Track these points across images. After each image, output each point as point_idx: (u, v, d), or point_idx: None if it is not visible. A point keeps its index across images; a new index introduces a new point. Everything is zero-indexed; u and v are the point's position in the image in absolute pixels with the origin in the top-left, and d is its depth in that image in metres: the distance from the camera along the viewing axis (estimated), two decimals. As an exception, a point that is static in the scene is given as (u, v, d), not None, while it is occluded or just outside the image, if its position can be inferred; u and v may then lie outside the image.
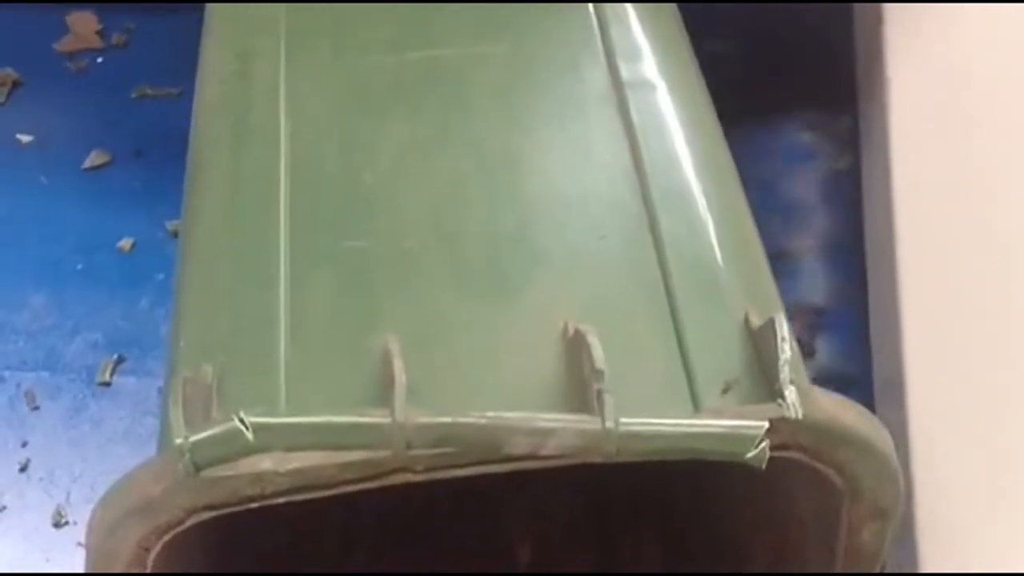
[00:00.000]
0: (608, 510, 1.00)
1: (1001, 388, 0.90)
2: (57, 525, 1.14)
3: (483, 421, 0.56)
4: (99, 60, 1.52)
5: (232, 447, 0.56)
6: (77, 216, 1.37)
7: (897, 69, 1.15)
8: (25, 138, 1.44)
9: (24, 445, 1.20)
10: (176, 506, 0.60)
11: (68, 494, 1.16)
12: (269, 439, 0.56)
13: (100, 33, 1.53)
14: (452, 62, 0.84)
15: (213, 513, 0.60)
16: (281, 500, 0.60)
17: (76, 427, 1.21)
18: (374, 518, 0.99)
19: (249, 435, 0.56)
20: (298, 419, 0.57)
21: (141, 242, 1.33)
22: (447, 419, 0.56)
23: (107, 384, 1.24)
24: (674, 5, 0.94)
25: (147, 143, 1.41)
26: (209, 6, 0.93)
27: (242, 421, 0.56)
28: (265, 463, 0.59)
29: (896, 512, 0.67)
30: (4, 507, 1.16)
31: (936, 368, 0.95)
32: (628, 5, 0.89)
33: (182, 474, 0.57)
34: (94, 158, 1.42)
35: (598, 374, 0.58)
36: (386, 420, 0.56)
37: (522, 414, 0.57)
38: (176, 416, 0.56)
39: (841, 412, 0.62)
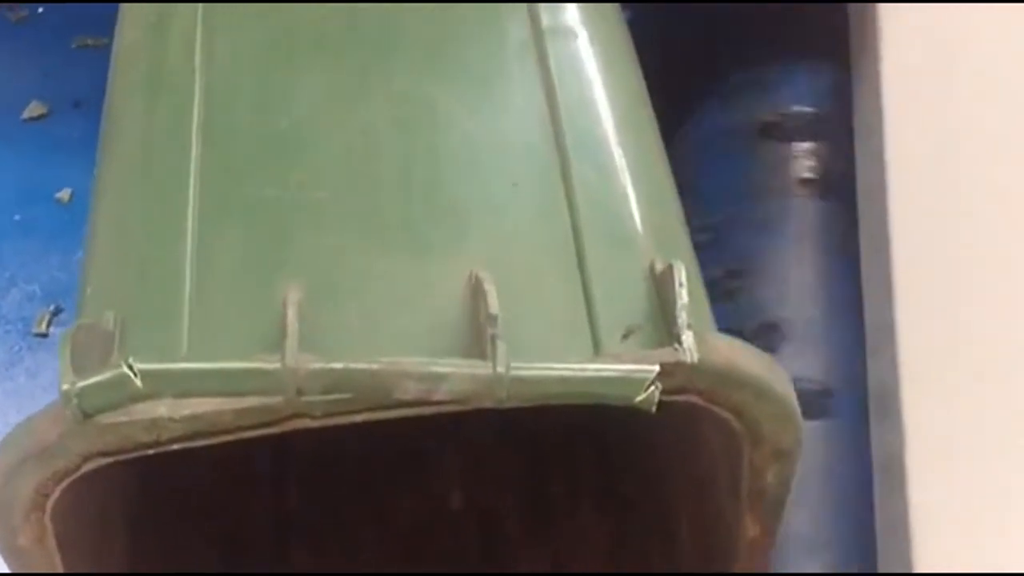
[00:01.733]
0: (542, 460, 1.00)
1: (1004, 394, 0.87)
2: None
3: (375, 366, 0.56)
4: (39, 10, 1.51)
5: (120, 393, 0.56)
6: (15, 167, 1.36)
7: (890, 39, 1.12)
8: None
9: (-41, 396, 1.20)
10: (71, 452, 0.60)
11: (2, 445, 1.15)
12: (158, 386, 0.56)
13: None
14: (375, 13, 0.83)
15: (109, 459, 0.60)
16: (176, 447, 0.60)
17: (12, 378, 1.21)
18: (306, 467, 1.00)
19: (137, 381, 0.56)
20: (187, 365, 0.57)
21: (79, 193, 1.33)
22: (339, 365, 0.56)
23: (44, 335, 1.24)
24: None
25: (86, 94, 1.40)
26: None
27: (130, 367, 0.55)
28: (160, 410, 0.59)
29: (797, 453, 0.67)
30: (-62, 458, 1.16)
31: (932, 374, 0.90)
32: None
33: (72, 419, 0.57)
34: (32, 109, 1.41)
35: (492, 319, 0.58)
36: (276, 366, 0.56)
37: (414, 359, 0.57)
38: (64, 362, 0.56)
39: (737, 355, 0.63)
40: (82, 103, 1.40)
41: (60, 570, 0.66)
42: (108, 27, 1.46)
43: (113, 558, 0.75)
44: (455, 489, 1.01)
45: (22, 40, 1.47)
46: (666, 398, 0.61)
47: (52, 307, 1.25)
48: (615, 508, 0.94)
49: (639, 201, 0.72)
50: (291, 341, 0.57)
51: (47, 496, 0.62)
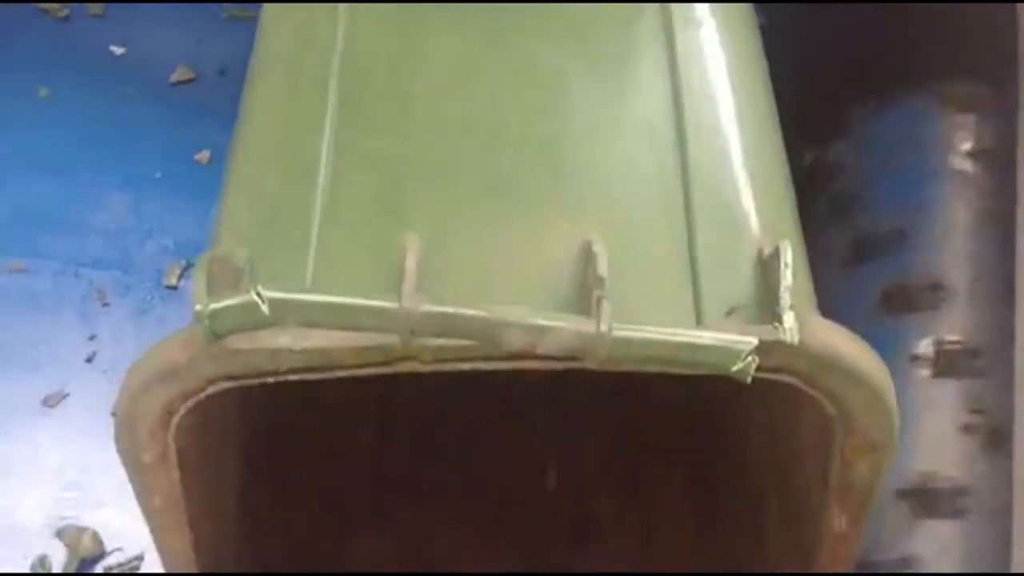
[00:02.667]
0: (637, 440, 1.02)
1: None
2: (115, 413, 1.20)
3: (484, 313, 0.59)
4: (195, -20, 1.58)
5: (247, 317, 0.60)
6: (160, 127, 1.43)
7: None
8: (118, 50, 1.51)
9: (92, 338, 1.27)
10: (198, 374, 0.64)
11: (127, 386, 1.22)
12: (282, 312, 0.60)
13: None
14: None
15: (232, 384, 0.64)
16: (295, 377, 0.64)
17: (141, 325, 1.27)
18: (410, 424, 1.03)
19: (264, 308, 0.59)
20: (311, 297, 0.60)
21: (218, 156, 1.39)
22: (450, 309, 0.59)
23: (174, 288, 1.30)
24: None
25: (232, 63, 1.47)
26: None
27: (259, 295, 0.59)
28: (282, 340, 0.62)
29: (890, 447, 0.68)
30: (68, 394, 1.23)
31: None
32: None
33: (202, 341, 0.61)
34: (180, 73, 1.48)
35: (599, 281, 0.61)
36: (393, 305, 0.59)
37: (522, 310, 0.60)
38: (199, 285, 0.59)
39: (838, 341, 0.64)
40: (227, 71, 1.47)
41: (178, 488, 0.71)
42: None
43: (227, 485, 0.79)
44: (551, 463, 1.04)
45: (177, 9, 1.54)
46: (764, 375, 0.63)
47: (184, 262, 1.31)
48: (705, 490, 0.95)
49: (752, 187, 0.74)
50: (408, 283, 0.60)
51: (172, 414, 0.66)
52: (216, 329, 0.60)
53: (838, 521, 0.73)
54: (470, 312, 0.60)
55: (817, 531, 0.74)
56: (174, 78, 1.47)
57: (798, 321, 0.63)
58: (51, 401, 1.22)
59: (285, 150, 0.76)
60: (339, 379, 0.66)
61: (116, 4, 1.55)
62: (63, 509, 1.15)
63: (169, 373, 0.64)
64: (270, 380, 0.64)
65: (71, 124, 1.43)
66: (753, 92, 0.82)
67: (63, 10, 1.54)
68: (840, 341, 0.64)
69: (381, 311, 0.60)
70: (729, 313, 0.66)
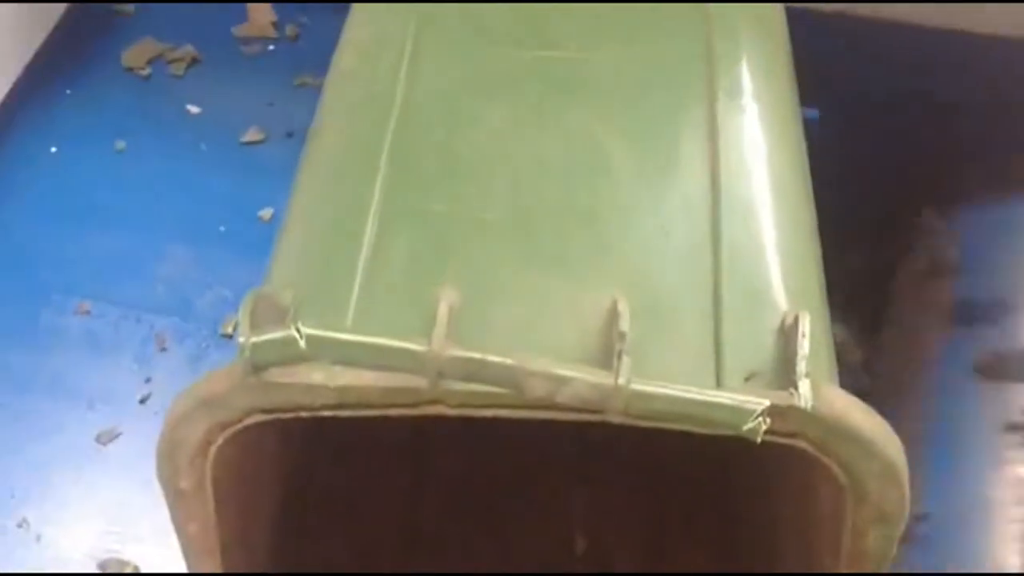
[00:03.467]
0: (663, 515, 1.04)
1: None
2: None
3: (508, 361, 0.62)
4: (270, 48, 1.66)
5: (286, 351, 0.63)
6: (227, 183, 1.50)
7: None
8: (194, 109, 1.58)
9: (147, 381, 1.32)
10: (237, 405, 0.68)
11: (178, 428, 1.26)
12: (319, 349, 0.63)
13: (275, 24, 1.67)
14: (561, 62, 0.91)
15: (270, 416, 0.68)
16: (328, 414, 0.67)
17: (196, 371, 1.32)
18: (444, 474, 1.06)
19: (302, 343, 0.63)
20: (346, 336, 0.64)
21: (280, 214, 1.44)
22: (476, 355, 0.63)
23: (229, 336, 1.35)
24: (782, 9, 0.99)
25: (300, 127, 1.52)
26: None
27: (298, 330, 0.63)
28: (317, 376, 0.66)
29: (900, 519, 0.69)
30: (120, 433, 1.27)
31: None
32: (739, 14, 0.94)
33: (242, 373, 0.64)
34: (251, 134, 1.54)
35: (620, 336, 0.64)
36: (423, 348, 0.63)
37: (545, 360, 0.63)
38: (244, 321, 0.63)
39: (851, 411, 0.66)
40: (295, 134, 1.53)
41: (213, 517, 0.74)
42: (327, 68, 1.62)
43: (260, 517, 0.82)
44: (578, 530, 1.06)
45: (251, 73, 1.62)
46: (778, 439, 0.65)
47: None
48: (725, 557, 0.96)
49: (781, 263, 0.77)
50: (439, 329, 0.64)
51: (211, 444, 0.70)
52: (257, 361, 0.64)
53: (850, 592, 0.74)
54: (495, 359, 0.63)
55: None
56: (244, 138, 1.54)
57: (813, 389, 0.65)
58: (104, 439, 1.26)
59: (337, 203, 0.81)
60: (378, 423, 0.69)
61: (194, 68, 1.63)
62: (107, 543, 1.19)
63: (209, 403, 0.68)
64: (304, 415, 0.68)
65: (144, 177, 1.50)
66: (791, 169, 0.85)
67: (146, 69, 1.62)
68: (854, 411, 0.66)
69: (411, 353, 0.63)
70: (748, 379, 0.68)
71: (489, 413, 0.67)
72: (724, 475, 0.97)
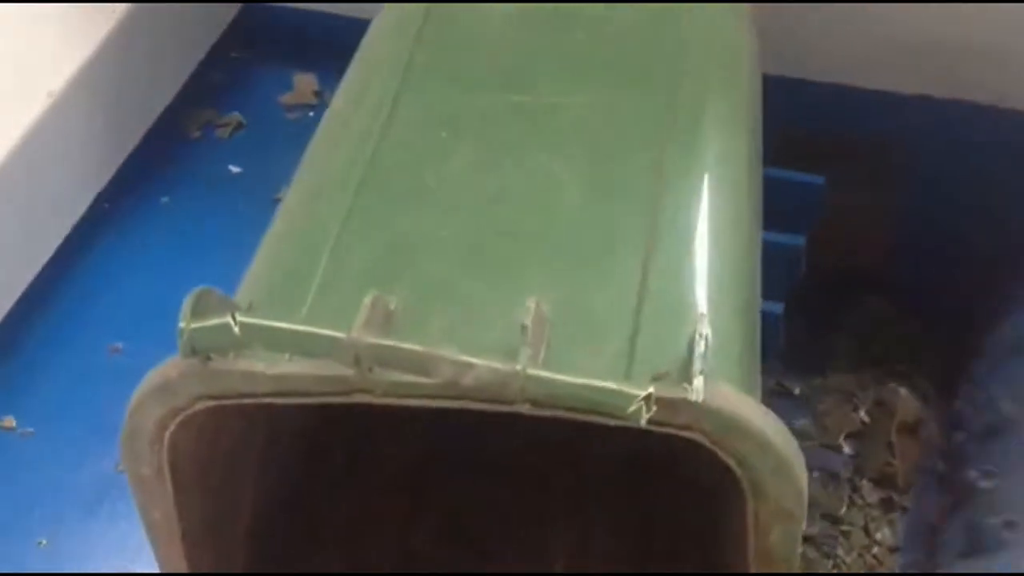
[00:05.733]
0: (578, 506, 1.10)
1: None
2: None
3: (418, 348, 0.68)
4: (311, 114, 1.76)
5: (222, 338, 0.70)
6: (260, 235, 1.58)
7: None
8: (235, 169, 1.68)
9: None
10: (186, 391, 0.74)
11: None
12: (251, 335, 0.70)
13: (317, 93, 1.77)
14: (532, 106, 0.98)
15: (215, 402, 0.75)
16: (266, 400, 0.74)
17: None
18: (381, 468, 1.13)
19: (236, 330, 0.70)
20: (276, 323, 0.70)
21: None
22: (389, 342, 0.69)
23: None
24: (756, 69, 1.06)
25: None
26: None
27: (233, 318, 0.70)
28: (258, 365, 0.73)
29: (800, 516, 0.73)
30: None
31: None
32: (710, 69, 1.01)
33: (184, 358, 0.71)
34: (284, 192, 1.63)
35: (523, 330, 0.69)
36: (342, 335, 0.69)
37: (452, 349, 0.69)
38: (186, 309, 0.71)
39: (744, 407, 0.70)
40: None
41: (171, 499, 0.81)
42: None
43: (218, 505, 0.88)
44: (492, 519, 1.12)
45: (293, 137, 1.65)
46: (673, 431, 0.70)
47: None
48: (639, 545, 1.01)
49: (707, 287, 0.82)
50: (359, 320, 0.70)
51: (165, 429, 0.77)
52: (195, 346, 0.71)
53: (764, 593, 0.78)
54: (406, 346, 0.69)
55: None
56: (280, 195, 1.63)
57: (709, 386, 0.70)
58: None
59: (307, 221, 0.89)
60: (320, 410, 0.76)
61: (239, 132, 1.74)
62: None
63: (162, 389, 0.75)
64: (247, 401, 0.75)
65: (184, 228, 1.60)
66: (729, 213, 0.91)
67: (197, 132, 1.74)
68: (746, 407, 0.71)
69: (332, 340, 0.70)
70: (654, 379, 0.73)
71: (414, 403, 0.73)
72: (638, 470, 1.01)
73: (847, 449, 1.44)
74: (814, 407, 1.49)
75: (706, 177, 0.92)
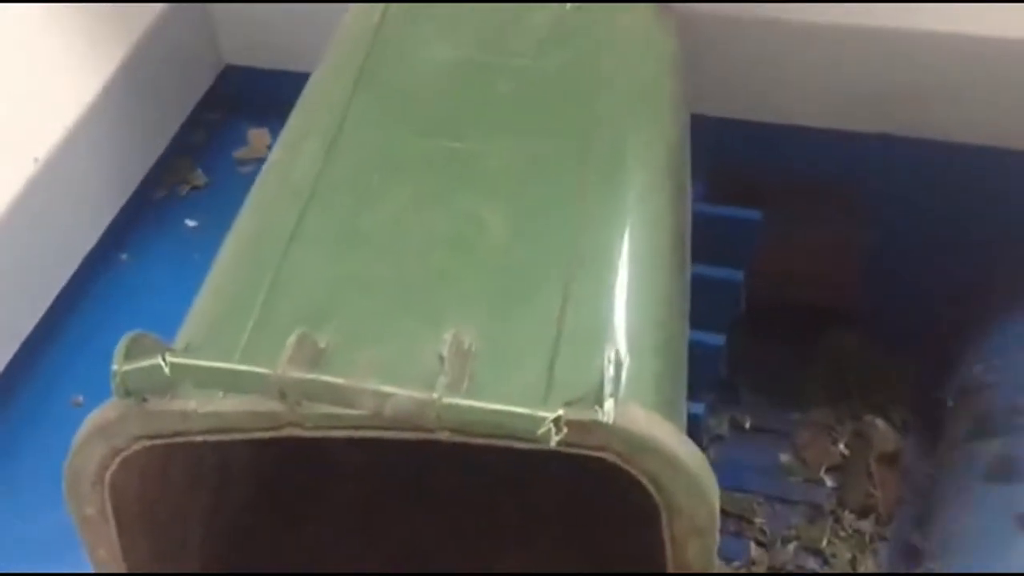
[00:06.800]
0: (495, 531, 1.14)
1: None
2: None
3: (340, 380, 0.72)
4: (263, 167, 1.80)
5: (153, 378, 0.74)
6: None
7: None
8: (191, 223, 1.72)
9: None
10: (125, 432, 0.78)
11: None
12: (181, 374, 0.74)
13: (269, 146, 1.81)
14: (461, 152, 1.02)
15: (153, 442, 0.78)
16: (200, 439, 0.77)
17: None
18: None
19: (166, 370, 0.73)
20: (204, 362, 0.74)
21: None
22: (312, 376, 0.72)
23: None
24: (684, 104, 1.11)
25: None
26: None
27: (163, 359, 0.73)
28: (191, 403, 0.76)
29: (713, 531, 0.77)
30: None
31: None
32: (632, 115, 1.05)
33: (120, 399, 0.75)
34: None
35: (441, 361, 0.73)
36: (268, 371, 0.73)
37: (373, 381, 0.72)
38: (120, 352, 0.74)
39: (655, 428, 0.74)
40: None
41: (117, 541, 0.84)
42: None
43: (161, 544, 0.91)
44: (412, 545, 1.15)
45: (246, 189, 1.76)
46: (586, 452, 0.74)
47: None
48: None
49: (626, 317, 0.86)
50: (284, 356, 0.74)
51: (106, 469, 0.80)
52: (128, 387, 0.74)
53: (686, 609, 0.81)
54: (328, 379, 0.73)
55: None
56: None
57: (620, 408, 0.74)
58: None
59: (242, 268, 0.93)
60: (259, 446, 0.79)
61: (197, 189, 1.78)
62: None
63: (102, 431, 0.78)
64: (182, 440, 0.78)
65: (137, 283, 1.64)
66: (649, 248, 0.95)
67: (164, 191, 1.78)
68: (658, 428, 0.75)
69: (259, 376, 0.73)
70: (569, 404, 0.77)
71: (342, 435, 0.76)
72: (557, 493, 1.05)
73: (829, 482, 1.48)
74: (794, 442, 1.53)
75: (625, 214, 0.97)
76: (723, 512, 1.40)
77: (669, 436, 0.74)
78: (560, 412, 0.71)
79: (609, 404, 0.73)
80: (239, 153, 1.82)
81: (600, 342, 0.83)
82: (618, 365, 0.77)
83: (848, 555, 1.40)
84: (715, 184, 1.47)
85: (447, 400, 0.71)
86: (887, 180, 1.51)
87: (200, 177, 1.79)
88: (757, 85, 1.50)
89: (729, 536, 1.43)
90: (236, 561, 1.03)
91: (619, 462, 0.74)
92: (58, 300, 1.60)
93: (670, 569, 0.79)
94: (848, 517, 1.44)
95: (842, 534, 1.42)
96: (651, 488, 0.75)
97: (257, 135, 1.83)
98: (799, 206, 1.57)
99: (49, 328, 1.58)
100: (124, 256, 1.67)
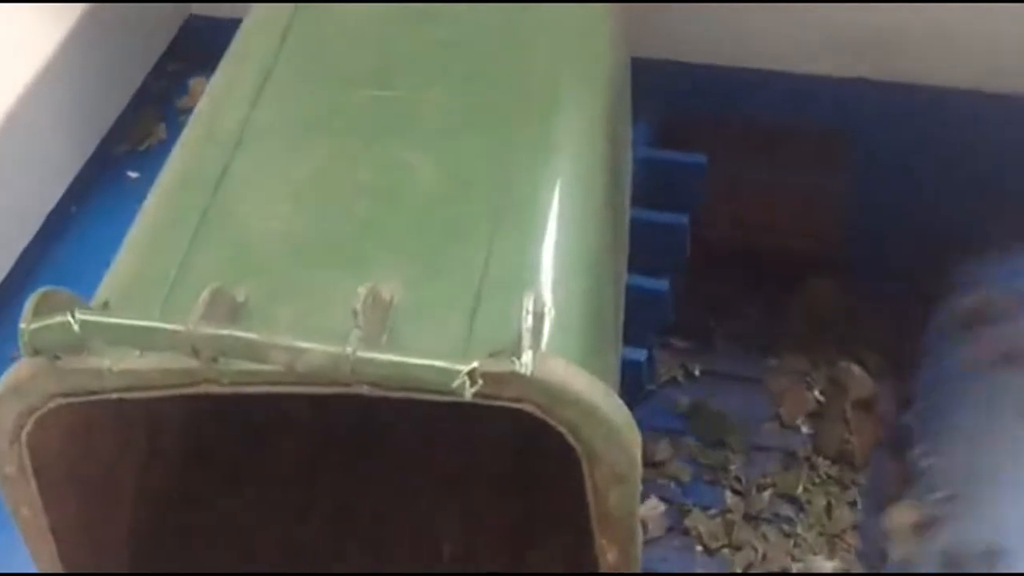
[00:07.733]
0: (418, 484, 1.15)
1: None
2: None
3: (252, 335, 0.71)
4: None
5: (63, 336, 0.73)
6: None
7: None
8: (133, 175, 1.70)
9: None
10: (40, 390, 0.77)
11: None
12: (92, 332, 0.72)
13: (210, 95, 1.79)
14: (392, 101, 1.01)
15: (68, 400, 0.77)
16: (115, 396, 0.76)
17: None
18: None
19: (76, 327, 0.72)
20: (115, 319, 0.73)
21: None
22: (225, 331, 0.71)
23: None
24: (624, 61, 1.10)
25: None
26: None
27: (73, 316, 0.72)
28: (105, 361, 0.75)
29: (635, 479, 0.77)
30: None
31: None
32: (571, 64, 1.04)
33: (29, 358, 0.74)
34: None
35: (354, 315, 0.72)
36: (180, 327, 0.72)
37: (286, 336, 0.71)
38: (28, 310, 0.73)
39: (572, 377, 0.74)
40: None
41: (39, 499, 0.83)
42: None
43: (84, 501, 0.90)
44: (332, 502, 1.15)
45: None
46: (505, 404, 0.73)
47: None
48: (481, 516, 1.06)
49: (555, 265, 0.85)
50: (195, 313, 0.73)
51: (22, 428, 0.79)
52: (36, 346, 0.73)
53: (610, 554, 0.81)
54: (240, 334, 0.72)
55: (593, 565, 0.82)
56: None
57: (538, 359, 0.73)
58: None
59: (164, 222, 0.91)
60: (174, 403, 0.78)
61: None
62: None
63: (16, 390, 0.77)
64: (96, 398, 0.77)
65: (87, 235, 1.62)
66: (581, 202, 0.94)
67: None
68: (576, 378, 0.74)
69: (170, 333, 0.72)
70: (491, 355, 0.76)
71: (258, 391, 0.76)
72: (487, 445, 1.05)
73: (805, 429, 1.48)
74: (769, 389, 1.53)
75: (557, 161, 0.95)
76: (698, 462, 1.45)
77: (587, 386, 0.74)
78: (475, 364, 0.70)
79: (527, 356, 0.73)
80: (180, 103, 1.79)
81: (522, 292, 0.82)
82: (539, 316, 0.76)
83: (823, 501, 1.41)
84: (695, 132, 1.47)
85: (361, 354, 0.70)
86: (866, 126, 1.50)
87: (164, 131, 1.77)
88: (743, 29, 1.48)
89: (705, 484, 1.44)
90: (169, 517, 1.02)
91: (538, 413, 0.74)
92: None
93: (593, 515, 0.79)
94: (823, 463, 1.44)
95: (817, 480, 1.43)
96: (570, 438, 0.75)
97: (197, 84, 1.80)
98: (779, 153, 1.56)
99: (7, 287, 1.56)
100: (73, 208, 1.65)
